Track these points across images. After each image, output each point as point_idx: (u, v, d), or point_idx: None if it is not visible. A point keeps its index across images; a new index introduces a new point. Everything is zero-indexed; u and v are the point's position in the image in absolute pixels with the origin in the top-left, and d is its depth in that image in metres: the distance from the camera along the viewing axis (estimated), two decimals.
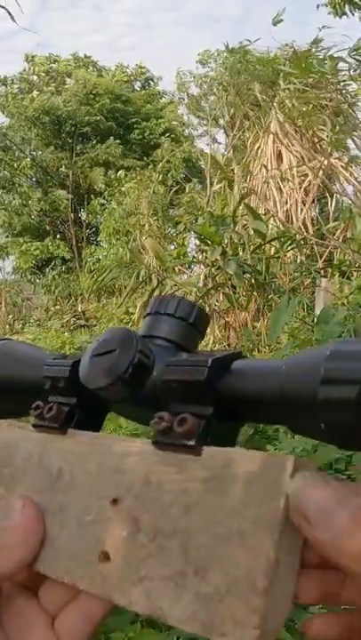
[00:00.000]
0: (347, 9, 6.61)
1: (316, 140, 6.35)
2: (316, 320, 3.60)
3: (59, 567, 0.31)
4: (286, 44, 9.19)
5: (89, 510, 0.31)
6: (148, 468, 0.29)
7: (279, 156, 6.77)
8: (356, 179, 6.50)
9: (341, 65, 5.11)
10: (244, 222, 5.58)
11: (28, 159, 14.04)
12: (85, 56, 16.10)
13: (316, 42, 5.96)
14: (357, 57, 4.34)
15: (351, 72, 4.90)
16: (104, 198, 13.36)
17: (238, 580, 0.25)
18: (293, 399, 0.27)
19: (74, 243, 13.56)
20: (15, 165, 13.97)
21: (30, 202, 13.51)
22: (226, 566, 0.25)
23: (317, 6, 7.08)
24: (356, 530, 0.24)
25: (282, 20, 5.78)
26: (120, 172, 12.61)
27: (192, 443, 0.29)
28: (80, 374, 0.34)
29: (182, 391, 0.30)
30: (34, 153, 14.56)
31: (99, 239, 12.99)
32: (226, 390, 0.30)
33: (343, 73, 5.39)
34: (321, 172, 6.22)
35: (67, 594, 0.32)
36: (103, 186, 13.55)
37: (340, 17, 6.64)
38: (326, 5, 6.85)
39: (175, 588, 0.26)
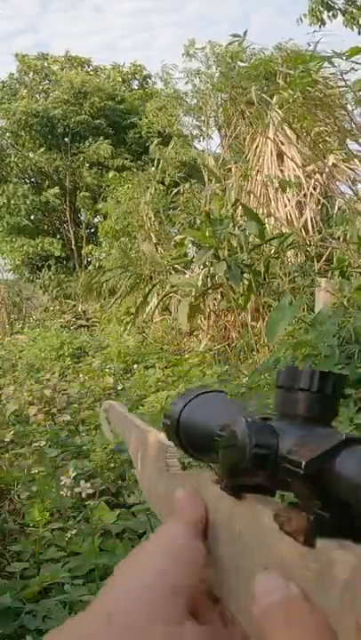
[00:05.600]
0: (325, 16, 6.69)
1: (316, 140, 6.35)
2: (312, 321, 3.61)
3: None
4: (280, 44, 9.23)
5: (254, 573, 0.34)
6: (284, 548, 0.32)
7: (279, 156, 6.77)
8: (355, 178, 6.51)
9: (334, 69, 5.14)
10: (243, 222, 5.58)
11: (14, 158, 14.04)
12: (85, 59, 16.12)
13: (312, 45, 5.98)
14: (352, 61, 4.37)
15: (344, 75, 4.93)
16: (100, 198, 13.37)
17: None
18: None
19: (73, 243, 13.57)
20: (8, 164, 14.00)
21: (19, 200, 13.52)
22: None
23: (300, 19, 7.18)
24: None
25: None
26: (111, 172, 12.61)
27: (301, 539, 0.30)
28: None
29: (292, 485, 0.32)
30: (28, 154, 14.56)
31: (98, 239, 12.99)
32: (329, 486, 0.30)
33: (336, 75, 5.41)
34: (323, 174, 6.23)
35: None
36: (96, 187, 13.58)
37: (320, 26, 6.76)
38: (306, 16, 6.94)
39: None
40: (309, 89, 5.39)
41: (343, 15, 6.99)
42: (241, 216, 5.74)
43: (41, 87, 15.07)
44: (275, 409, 0.37)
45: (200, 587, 0.38)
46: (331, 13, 6.96)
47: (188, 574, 0.36)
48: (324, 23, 6.98)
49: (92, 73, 15.94)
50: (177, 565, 0.36)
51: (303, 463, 0.31)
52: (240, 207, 5.72)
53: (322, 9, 6.90)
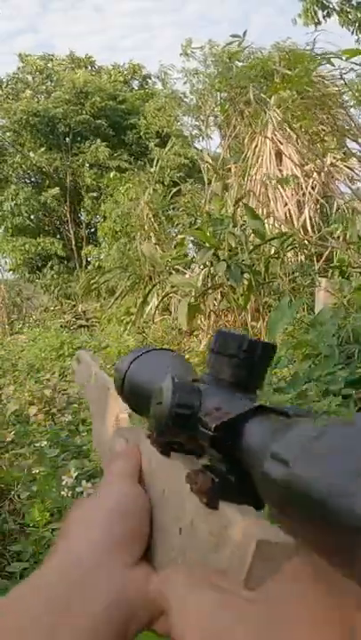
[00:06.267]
0: (320, 16, 6.71)
1: (314, 139, 6.36)
2: (312, 321, 3.61)
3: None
4: (278, 43, 9.24)
5: (172, 533, 0.36)
6: (194, 509, 0.33)
7: (278, 156, 6.78)
8: (353, 177, 6.51)
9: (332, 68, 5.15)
10: (243, 222, 5.58)
11: (17, 158, 14.05)
12: (86, 56, 16.10)
13: (311, 44, 5.98)
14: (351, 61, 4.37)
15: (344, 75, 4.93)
16: (99, 198, 13.37)
17: None
18: None
19: (73, 243, 13.57)
20: (12, 164, 14.00)
21: (20, 201, 13.53)
22: None
23: (294, 19, 7.18)
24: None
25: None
26: (112, 173, 12.61)
27: (205, 500, 0.31)
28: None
29: (200, 444, 0.34)
30: (29, 154, 14.57)
31: (98, 239, 12.99)
32: (235, 452, 0.31)
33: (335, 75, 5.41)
34: (321, 173, 6.23)
35: None
36: (96, 188, 13.57)
37: (315, 25, 6.77)
38: (300, 16, 6.95)
39: None
40: (307, 88, 5.40)
41: (339, 15, 7.00)
42: (241, 216, 5.74)
43: (44, 87, 15.06)
44: (207, 371, 0.37)
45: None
46: (325, 12, 6.96)
47: (137, 521, 0.38)
48: (319, 22, 6.98)
49: (94, 73, 15.93)
50: (126, 515, 0.38)
51: (213, 426, 0.31)
52: (240, 207, 5.73)
53: (316, 8, 6.90)
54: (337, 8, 6.91)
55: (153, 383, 0.40)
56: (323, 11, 6.98)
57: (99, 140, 13.91)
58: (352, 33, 7.17)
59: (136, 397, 0.45)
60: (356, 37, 7.08)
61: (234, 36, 5.81)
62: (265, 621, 0.25)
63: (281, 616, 0.25)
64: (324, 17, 7.02)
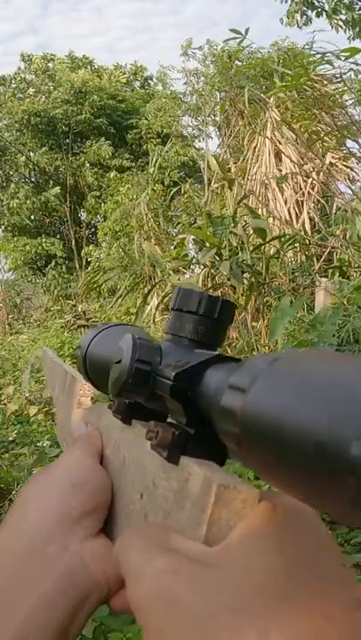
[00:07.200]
0: (308, 16, 6.70)
1: (314, 138, 6.35)
2: (312, 321, 3.61)
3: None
4: (276, 42, 9.23)
5: (132, 500, 0.35)
6: (155, 469, 0.32)
7: (277, 156, 6.77)
8: (353, 177, 6.51)
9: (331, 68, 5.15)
10: (244, 222, 5.57)
11: (23, 158, 14.06)
12: (85, 57, 16.10)
13: (310, 44, 5.99)
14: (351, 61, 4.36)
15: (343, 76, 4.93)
16: (100, 198, 13.36)
17: None
18: None
19: (73, 243, 13.57)
20: (10, 164, 14.00)
21: (20, 201, 13.53)
22: None
23: (281, 20, 7.18)
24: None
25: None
26: (112, 172, 12.60)
27: (165, 454, 0.30)
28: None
29: (161, 401, 0.33)
30: (30, 153, 14.57)
31: (98, 239, 12.99)
32: (194, 401, 0.30)
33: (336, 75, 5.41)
34: (321, 173, 6.22)
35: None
36: (96, 185, 13.56)
37: (301, 27, 6.76)
38: (287, 17, 6.95)
39: None
40: (306, 87, 5.39)
41: (328, 17, 6.98)
42: (242, 216, 5.73)
43: (47, 88, 15.05)
44: (166, 331, 0.37)
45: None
46: (314, 13, 6.95)
47: (93, 493, 0.37)
48: (306, 24, 6.98)
49: (94, 73, 15.93)
50: (81, 487, 0.37)
51: (173, 374, 0.31)
52: (242, 206, 5.72)
53: (305, 8, 6.89)
54: (327, 8, 6.89)
55: (113, 355, 0.39)
56: (312, 11, 6.96)
57: (103, 139, 13.91)
58: (344, 32, 7.15)
59: (97, 372, 0.45)
60: (348, 36, 7.06)
61: (233, 30, 5.66)
62: (218, 592, 0.23)
63: (239, 586, 0.23)
64: (310, 19, 7.01)
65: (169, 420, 0.34)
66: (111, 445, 0.41)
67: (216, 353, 0.31)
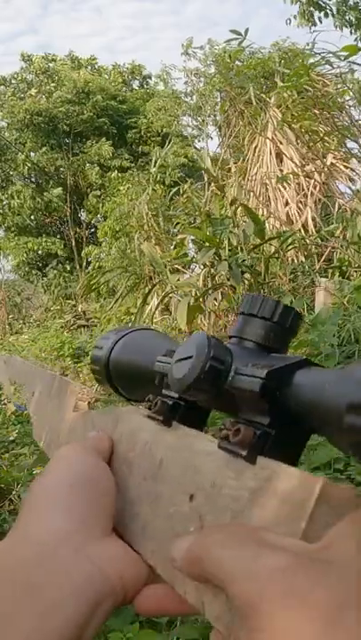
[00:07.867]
0: (316, 17, 6.69)
1: (315, 139, 6.35)
2: (312, 321, 3.61)
3: (147, 549, 0.36)
4: (277, 42, 9.23)
5: (174, 502, 0.35)
6: (216, 470, 0.32)
7: (278, 156, 6.77)
8: (354, 177, 6.51)
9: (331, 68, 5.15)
10: (244, 222, 5.57)
11: (23, 156, 14.06)
12: (92, 57, 16.13)
13: (311, 44, 5.98)
14: (350, 61, 4.36)
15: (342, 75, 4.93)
16: (101, 198, 13.36)
17: None
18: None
19: (73, 243, 13.57)
20: (10, 164, 14.01)
21: (22, 200, 13.53)
22: None
23: (288, 20, 7.17)
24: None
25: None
26: (113, 172, 12.60)
27: (244, 453, 0.30)
28: (168, 377, 0.37)
29: (242, 400, 0.32)
30: (30, 153, 14.57)
31: (99, 239, 12.99)
32: (282, 402, 0.30)
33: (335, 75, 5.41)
34: (322, 174, 6.22)
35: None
36: (98, 186, 13.56)
37: (310, 27, 6.75)
38: (295, 17, 6.93)
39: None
40: (307, 87, 5.39)
41: (333, 16, 6.98)
42: (241, 216, 5.74)
43: (48, 88, 15.06)
44: (233, 334, 0.37)
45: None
46: (322, 13, 6.94)
47: (101, 496, 0.37)
48: (315, 24, 6.97)
49: (94, 73, 15.94)
50: (89, 490, 0.37)
51: (264, 373, 0.31)
52: (240, 207, 5.72)
53: (313, 9, 6.88)
54: (333, 9, 6.89)
55: (149, 358, 0.39)
56: (319, 12, 6.95)
57: (104, 139, 13.92)
58: (351, 33, 7.16)
59: (124, 377, 0.44)
60: (355, 37, 7.06)
61: (233, 31, 5.65)
62: (343, 589, 0.22)
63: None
64: (319, 18, 7.00)
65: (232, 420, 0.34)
66: (138, 448, 0.40)
67: (303, 357, 0.32)
